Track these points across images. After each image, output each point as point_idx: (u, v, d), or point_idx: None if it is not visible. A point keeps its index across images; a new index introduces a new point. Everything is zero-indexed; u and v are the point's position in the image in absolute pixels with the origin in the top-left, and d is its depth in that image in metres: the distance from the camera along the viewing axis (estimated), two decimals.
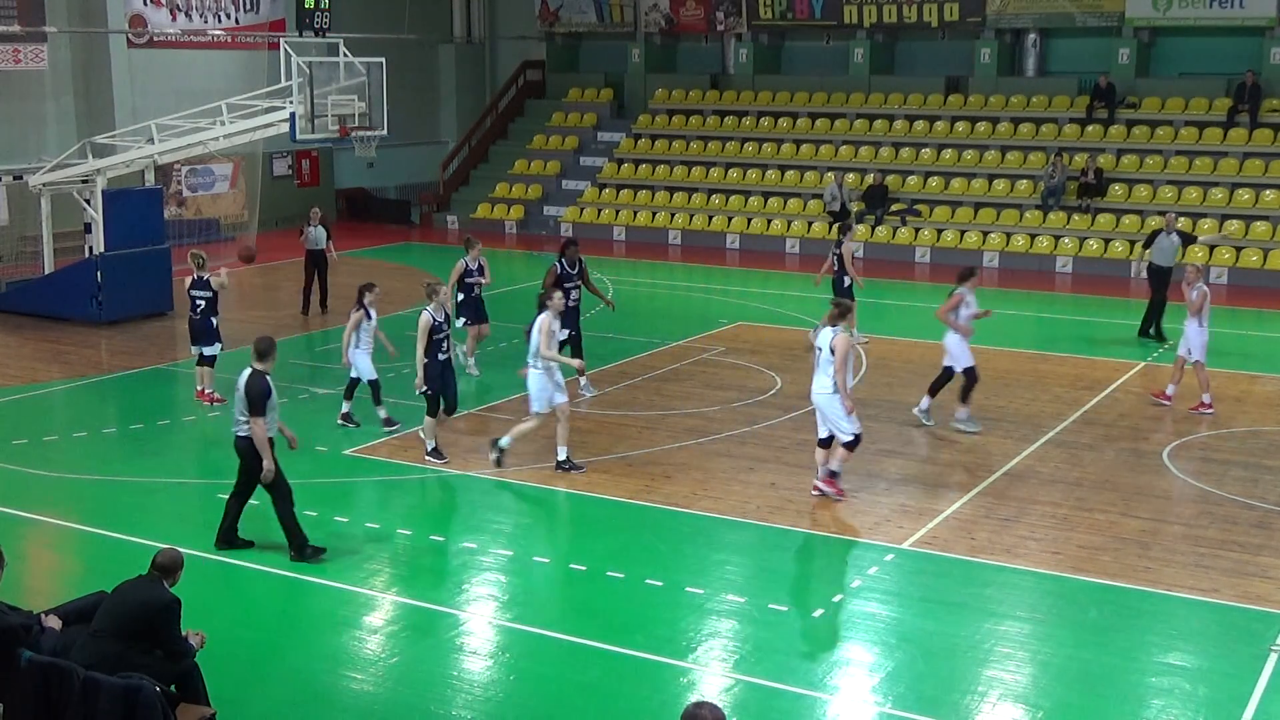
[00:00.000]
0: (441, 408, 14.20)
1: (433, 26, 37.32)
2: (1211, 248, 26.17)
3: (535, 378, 13.67)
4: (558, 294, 13.97)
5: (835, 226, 28.45)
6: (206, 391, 16.95)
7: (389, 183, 36.66)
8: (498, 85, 38.46)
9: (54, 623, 8.32)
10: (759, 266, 28.25)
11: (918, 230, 28.98)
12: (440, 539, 12.23)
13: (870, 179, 29.95)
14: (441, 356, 14.03)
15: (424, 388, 14.00)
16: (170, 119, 23.09)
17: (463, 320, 17.87)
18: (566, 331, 16.27)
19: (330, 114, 21.80)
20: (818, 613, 10.58)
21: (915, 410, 15.80)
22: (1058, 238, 27.99)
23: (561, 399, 13.75)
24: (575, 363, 14.90)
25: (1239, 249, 26.33)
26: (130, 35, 29.56)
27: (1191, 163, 28.21)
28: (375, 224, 34.52)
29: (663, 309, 24.22)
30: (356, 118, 22.12)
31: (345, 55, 22.17)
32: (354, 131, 22.14)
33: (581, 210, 32.70)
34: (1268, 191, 27.02)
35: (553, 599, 11.04)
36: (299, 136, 22.11)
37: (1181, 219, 26.69)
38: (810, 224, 30.18)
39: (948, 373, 15.56)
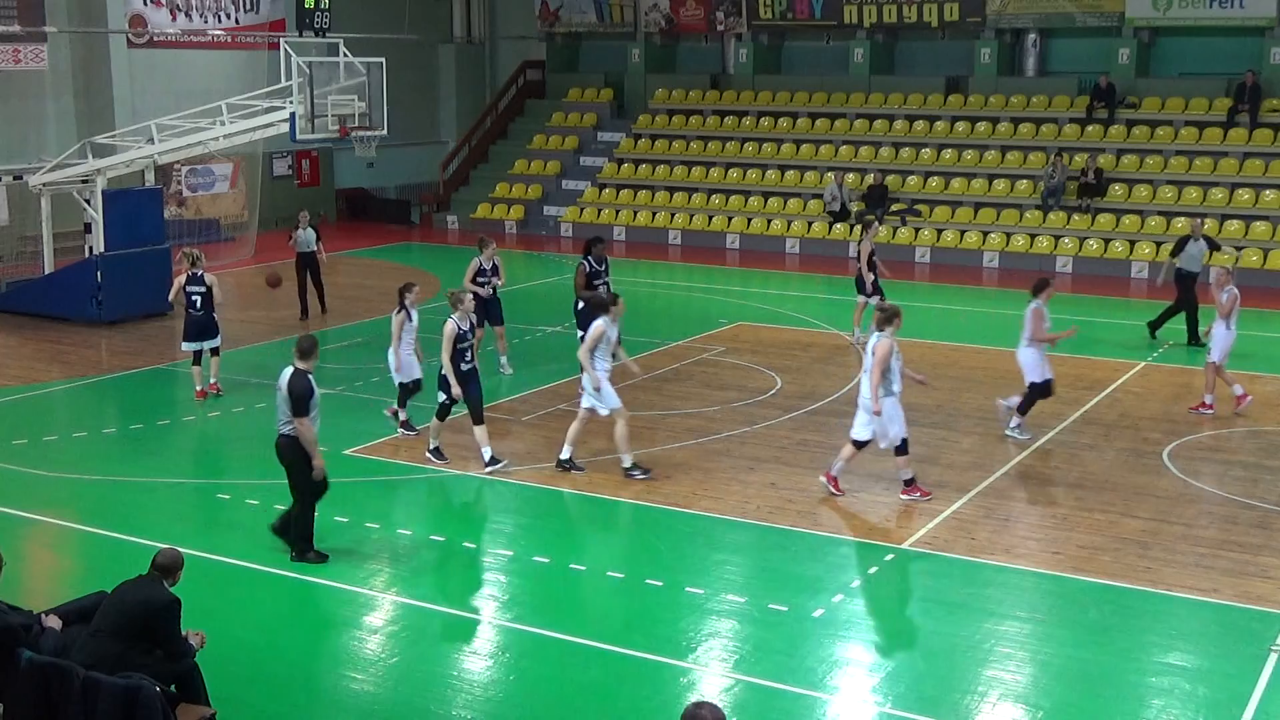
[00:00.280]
0: (451, 414, 13.97)
1: (433, 26, 37.33)
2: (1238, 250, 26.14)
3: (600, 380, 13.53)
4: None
5: (856, 227, 28.60)
6: (212, 382, 17.05)
7: (389, 183, 36.66)
8: (498, 85, 38.46)
9: (54, 623, 8.32)
10: (759, 266, 28.25)
11: (918, 230, 28.97)
12: (440, 539, 12.23)
13: (870, 179, 29.95)
14: (465, 366, 13.77)
15: (444, 395, 13.74)
16: (170, 119, 23.10)
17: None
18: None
19: (330, 114, 21.79)
20: (818, 613, 10.58)
21: (1011, 431, 15.25)
22: (1058, 238, 27.98)
23: (616, 404, 13.63)
24: (603, 373, 14.20)
25: (1239, 249, 26.31)
26: (130, 35, 29.56)
27: (1191, 163, 28.21)
28: (375, 224, 34.53)
29: (663, 309, 24.20)
30: (356, 118, 22.11)
31: (345, 55, 22.17)
32: (354, 131, 22.13)
33: (581, 210, 32.70)
34: (1268, 191, 27.02)
35: (553, 599, 11.04)
36: (299, 136, 22.10)
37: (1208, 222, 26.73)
38: (810, 224, 30.18)
39: (1045, 385, 15.08)
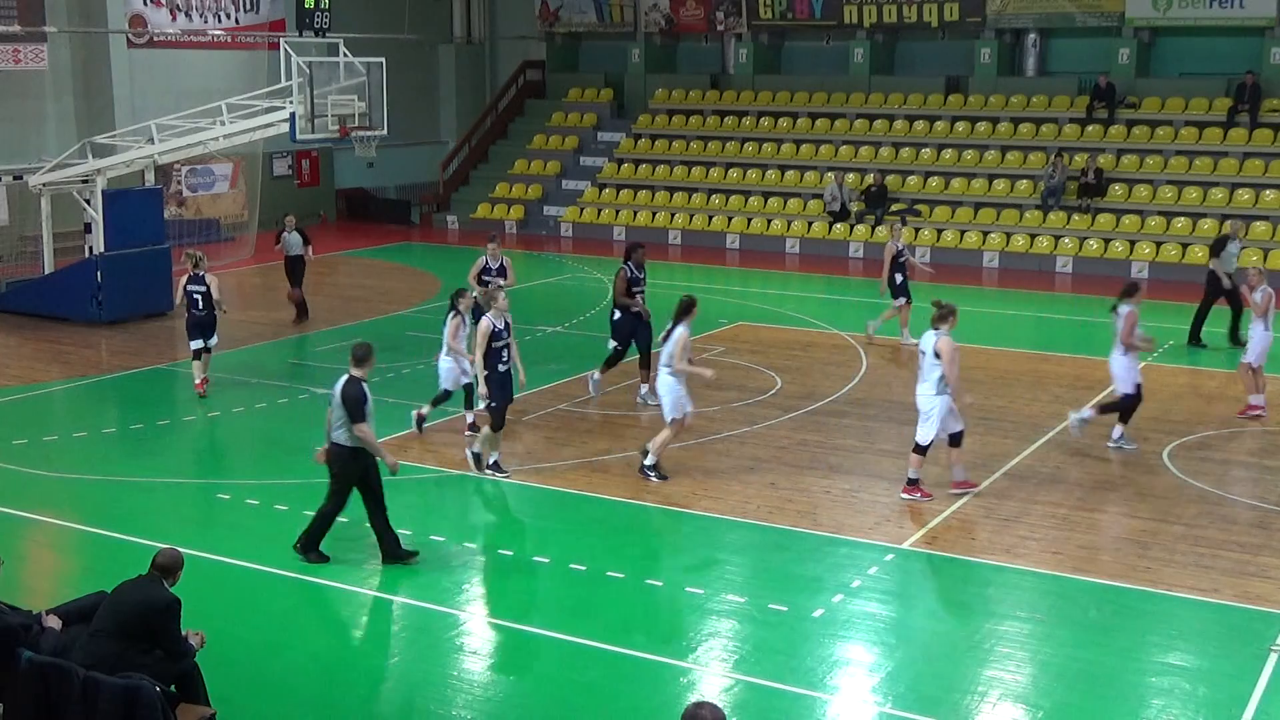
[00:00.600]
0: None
1: (433, 26, 37.32)
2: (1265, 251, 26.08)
3: (670, 386, 13.39)
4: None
5: (878, 228, 28.69)
6: (199, 379, 17.15)
7: (389, 183, 36.67)
8: (498, 85, 38.46)
9: (54, 623, 8.33)
10: (759, 266, 28.25)
11: (918, 230, 28.95)
12: (440, 539, 12.22)
13: (870, 179, 29.95)
14: (502, 367, 13.49)
15: (489, 400, 13.46)
16: (170, 119, 23.08)
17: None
18: (614, 345, 16.15)
19: (330, 114, 21.77)
20: (818, 613, 10.58)
21: (1073, 416, 14.96)
22: (1058, 238, 27.98)
23: (690, 408, 13.57)
24: (707, 373, 13.90)
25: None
26: (130, 35, 29.56)
27: (1191, 163, 28.21)
28: (375, 224, 34.52)
29: (663, 309, 24.10)
30: (356, 118, 22.10)
31: (345, 55, 22.16)
32: (354, 131, 22.11)
33: (581, 210, 32.70)
34: (1268, 191, 27.02)
35: (553, 599, 11.04)
36: (299, 136, 22.09)
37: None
38: (810, 224, 30.18)
39: (1127, 399, 14.58)
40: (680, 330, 13.37)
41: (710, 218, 31.39)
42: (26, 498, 13.21)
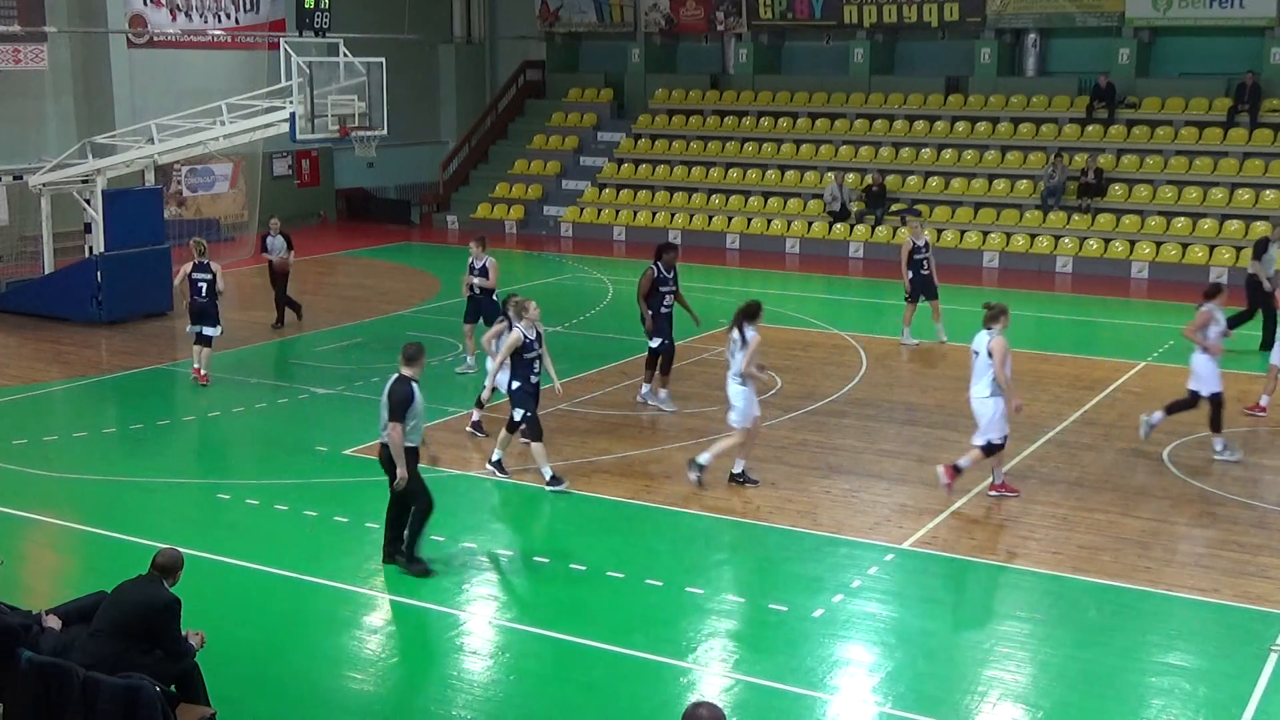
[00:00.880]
0: (522, 431, 13.50)
1: (433, 26, 37.31)
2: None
3: (741, 392, 13.19)
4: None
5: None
6: (202, 372, 17.29)
7: (389, 183, 36.66)
8: (498, 85, 38.46)
9: (54, 623, 8.33)
10: (759, 266, 28.25)
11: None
12: (440, 539, 12.20)
13: (870, 179, 29.95)
14: (534, 379, 13.38)
15: (524, 411, 13.31)
16: (170, 119, 23.08)
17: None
18: (659, 340, 16.02)
19: (330, 114, 21.76)
20: (818, 613, 10.58)
21: (1144, 420, 14.73)
22: (1058, 238, 27.98)
23: (757, 413, 13.40)
24: (766, 376, 13.82)
25: (1238, 249, 26.31)
26: (130, 35, 29.55)
27: (1191, 163, 28.20)
28: (375, 224, 34.53)
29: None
30: (356, 118, 22.09)
31: (345, 55, 22.16)
32: (354, 131, 22.11)
33: (581, 210, 32.70)
34: (1268, 191, 27.01)
35: (553, 599, 11.04)
36: (299, 136, 22.08)
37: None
38: (810, 224, 30.18)
39: (1193, 397, 14.38)
40: (753, 334, 13.09)
41: (710, 218, 31.39)
42: (26, 498, 13.21)
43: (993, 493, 13.17)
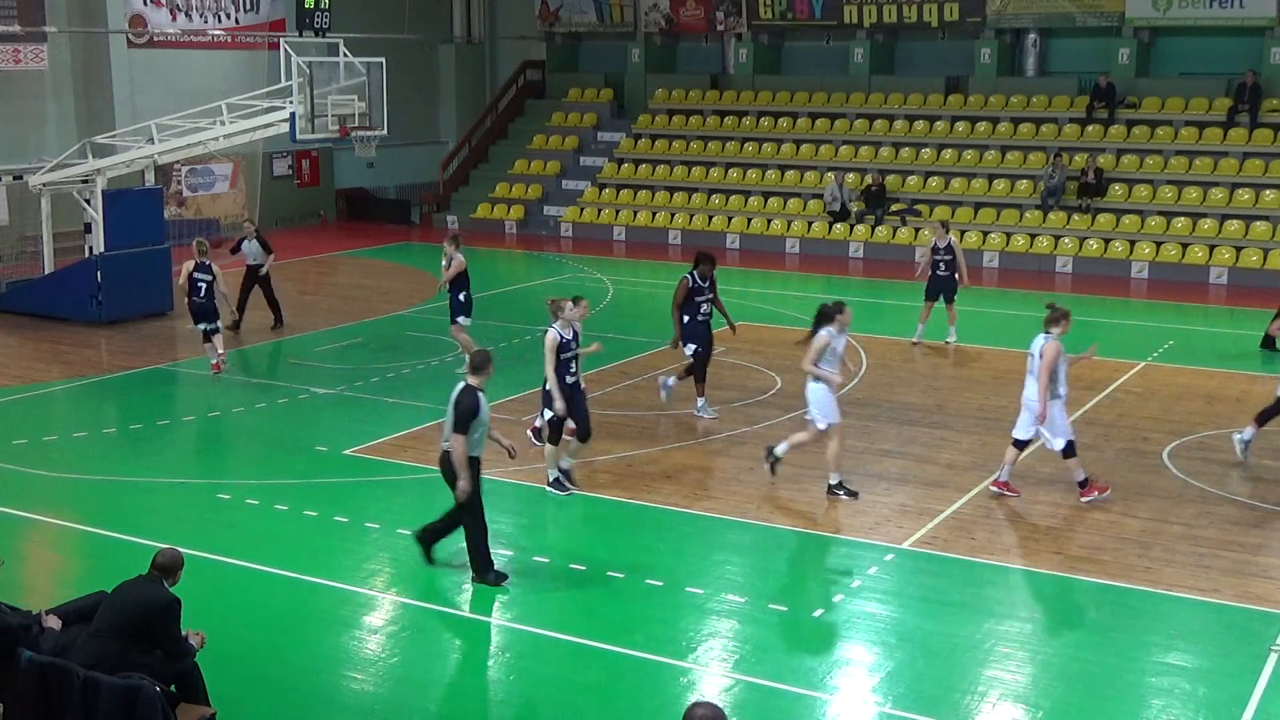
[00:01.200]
0: (574, 434, 13.35)
1: (433, 26, 37.32)
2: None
3: (819, 391, 13.17)
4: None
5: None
6: (220, 357, 17.87)
7: (389, 183, 36.67)
8: (498, 85, 38.46)
9: (54, 623, 8.33)
10: (759, 266, 28.24)
11: (917, 230, 28.96)
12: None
13: (870, 179, 29.95)
14: (570, 379, 13.24)
15: (549, 415, 13.16)
16: (170, 119, 23.07)
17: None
18: (693, 347, 15.92)
19: (330, 114, 21.77)
20: (818, 613, 10.58)
21: (1236, 439, 14.41)
22: (1058, 238, 27.98)
23: (836, 416, 13.25)
24: (836, 379, 13.54)
25: (1239, 249, 26.33)
26: (130, 35, 29.55)
27: (1191, 163, 28.20)
28: (375, 224, 34.52)
29: (663, 309, 24.06)
30: (356, 118, 22.10)
31: (345, 55, 22.16)
32: (354, 131, 22.11)
33: (581, 210, 32.70)
34: (1268, 191, 27.01)
35: (553, 599, 11.04)
36: (299, 136, 22.08)
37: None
38: (810, 224, 30.18)
39: None
40: (823, 333, 13.12)
41: (710, 218, 31.39)
42: (26, 498, 13.21)
43: (994, 489, 13.18)
